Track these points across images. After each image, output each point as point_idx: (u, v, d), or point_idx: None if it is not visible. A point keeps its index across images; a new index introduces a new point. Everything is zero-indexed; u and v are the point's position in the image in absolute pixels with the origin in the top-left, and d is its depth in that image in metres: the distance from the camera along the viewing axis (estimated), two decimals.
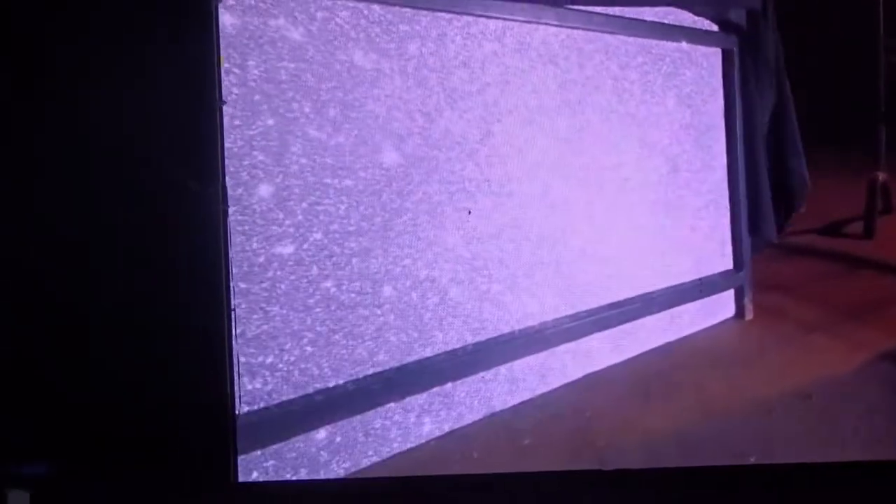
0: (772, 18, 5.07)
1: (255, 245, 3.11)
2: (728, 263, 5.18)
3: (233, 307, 2.94)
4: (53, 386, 2.79)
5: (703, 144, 4.98)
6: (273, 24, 3.14)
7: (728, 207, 5.20)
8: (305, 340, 3.25)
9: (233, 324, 2.94)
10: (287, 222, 3.18)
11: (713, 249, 5.10)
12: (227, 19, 3.02)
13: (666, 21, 4.70)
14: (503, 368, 3.94)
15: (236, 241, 3.03)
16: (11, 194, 2.80)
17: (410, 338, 3.58)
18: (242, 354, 3.06)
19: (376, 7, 3.43)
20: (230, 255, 2.94)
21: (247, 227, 3.08)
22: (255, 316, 3.11)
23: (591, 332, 4.34)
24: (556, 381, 4.17)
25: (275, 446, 3.15)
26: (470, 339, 3.80)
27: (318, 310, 3.28)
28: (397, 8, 3.49)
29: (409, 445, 3.58)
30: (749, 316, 5.23)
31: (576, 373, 4.27)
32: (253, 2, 3.09)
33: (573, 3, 4.13)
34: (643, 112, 4.59)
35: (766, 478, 3.13)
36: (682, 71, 4.83)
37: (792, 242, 6.08)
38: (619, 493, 3.02)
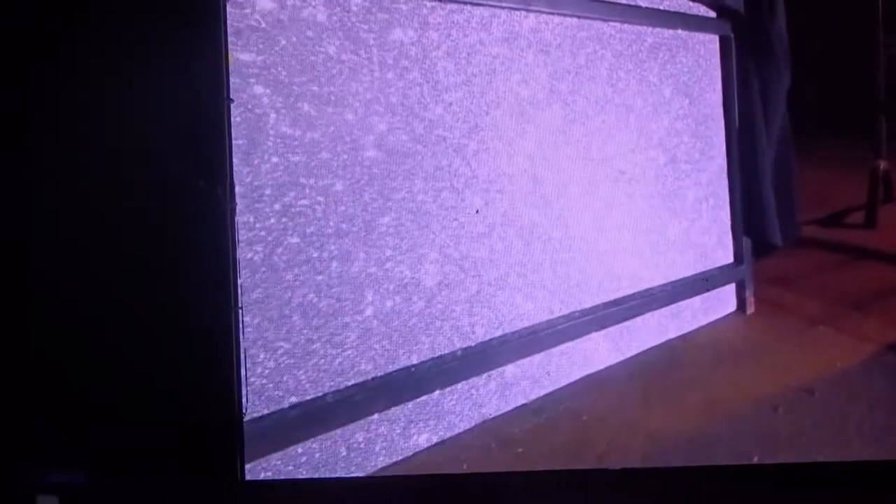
0: (779, 3, 4.86)
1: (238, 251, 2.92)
2: (729, 257, 5.02)
3: (240, 305, 2.84)
4: (59, 387, 2.78)
5: (702, 135, 4.81)
6: (237, 13, 2.94)
7: (728, 199, 5.02)
8: (281, 351, 3.05)
9: (240, 323, 2.85)
10: (258, 226, 2.98)
11: (713, 243, 4.93)
12: None
13: (662, 8, 4.53)
14: (495, 373, 3.77)
15: None
16: (16, 193, 2.77)
17: (395, 344, 3.39)
18: None
19: None
20: (237, 254, 2.85)
21: None
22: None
23: (588, 332, 4.17)
24: (551, 385, 4.00)
25: (249, 465, 2.93)
26: (459, 344, 3.63)
27: (294, 318, 3.09)
28: None
29: (395, 459, 3.40)
30: (751, 310, 5.07)
31: (572, 375, 4.10)
32: None
33: None
34: (639, 102, 4.42)
35: (771, 478, 3.05)
36: (679, 59, 4.65)
37: None
38: (622, 493, 2.97)
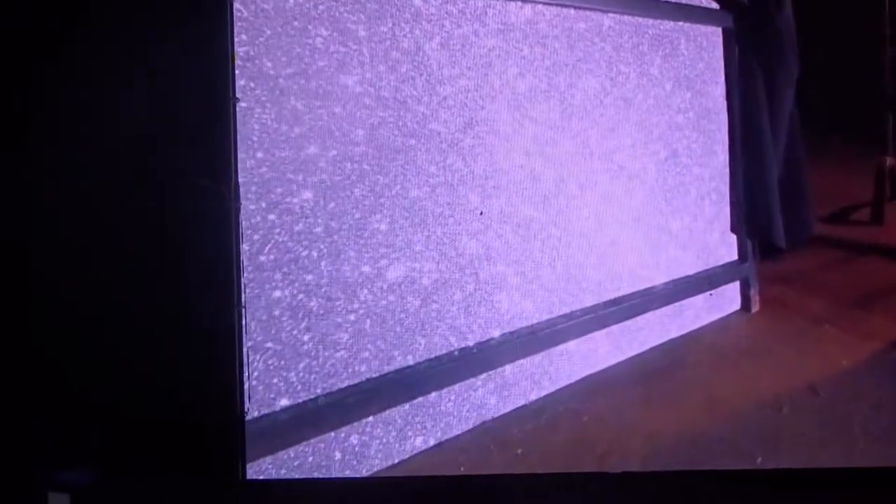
0: None
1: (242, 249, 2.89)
2: (732, 254, 4.90)
3: (243, 304, 2.82)
4: (61, 387, 2.79)
5: (705, 129, 4.69)
6: None
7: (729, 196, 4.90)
8: (270, 353, 2.95)
9: (242, 322, 2.83)
10: (243, 224, 2.87)
11: (716, 240, 4.82)
12: None
13: None
14: (493, 374, 3.66)
15: None
16: (16, 193, 2.78)
17: (390, 345, 3.29)
18: None
19: None
20: (241, 253, 2.83)
21: None
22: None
23: (589, 332, 4.07)
24: (551, 386, 3.90)
25: None
26: (456, 345, 3.53)
27: (284, 319, 2.99)
28: None
29: (391, 462, 3.31)
30: (755, 308, 4.94)
31: (573, 375, 4.00)
32: None
33: None
34: (639, 96, 4.30)
35: (771, 481, 3.06)
36: (680, 52, 4.53)
37: None
38: (623, 496, 2.98)
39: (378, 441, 3.25)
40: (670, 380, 4.06)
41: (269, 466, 2.95)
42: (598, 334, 4.11)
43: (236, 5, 2.84)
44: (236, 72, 2.84)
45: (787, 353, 4.32)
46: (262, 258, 2.91)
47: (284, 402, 2.99)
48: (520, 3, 3.71)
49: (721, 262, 4.83)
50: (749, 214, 4.89)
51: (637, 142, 4.30)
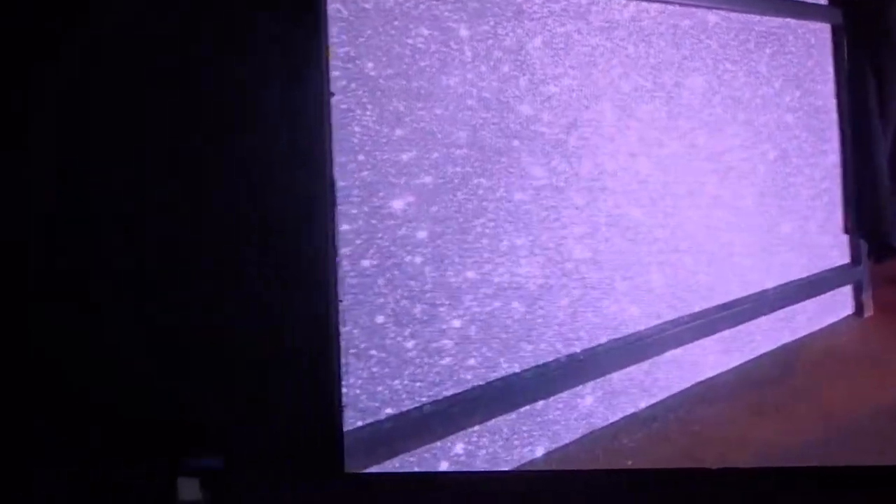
0: None
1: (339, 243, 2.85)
2: (845, 257, 4.69)
3: (340, 299, 2.80)
4: (188, 386, 2.86)
5: (815, 128, 4.53)
6: None
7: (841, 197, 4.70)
8: (373, 360, 2.90)
9: (339, 316, 2.80)
10: (345, 227, 2.83)
11: (828, 242, 4.62)
12: None
13: None
14: (601, 381, 3.56)
15: None
16: (107, 194, 2.82)
17: (495, 352, 3.20)
18: None
19: None
20: (341, 255, 2.81)
21: None
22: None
23: (698, 338, 3.93)
24: (660, 394, 3.77)
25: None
26: (563, 351, 3.42)
27: (387, 326, 2.93)
28: None
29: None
30: (869, 312, 4.70)
31: (682, 383, 3.86)
32: None
33: None
34: (747, 94, 4.17)
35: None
36: (789, 49, 4.39)
37: None
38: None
39: (484, 451, 3.16)
40: (782, 387, 3.91)
41: None
42: (708, 340, 3.98)
43: (336, 5, 2.81)
44: (336, 73, 2.81)
45: None
46: (365, 263, 2.87)
47: (389, 410, 2.93)
48: (623, 1, 3.64)
49: (833, 265, 4.65)
50: (861, 215, 4.70)
51: (745, 142, 4.18)
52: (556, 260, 3.39)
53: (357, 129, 2.83)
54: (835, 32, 4.57)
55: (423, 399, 3.00)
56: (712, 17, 4.00)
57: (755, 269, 4.22)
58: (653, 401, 3.73)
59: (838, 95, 4.59)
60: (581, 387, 3.47)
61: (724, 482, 2.97)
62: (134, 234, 2.84)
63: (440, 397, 3.04)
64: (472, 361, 3.13)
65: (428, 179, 3.01)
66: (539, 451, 3.31)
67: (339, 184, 2.81)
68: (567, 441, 3.40)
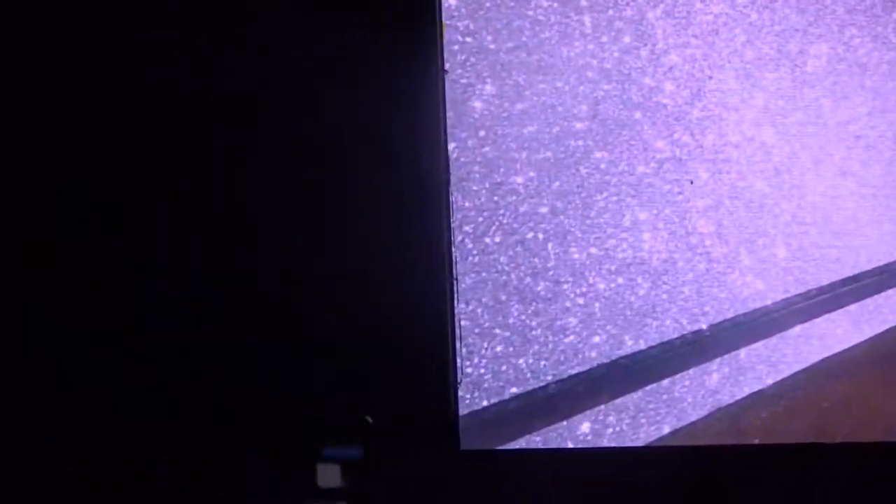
0: None
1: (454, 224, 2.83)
2: None
3: (455, 277, 2.79)
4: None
5: None
6: None
7: None
8: (498, 339, 2.86)
9: (455, 295, 2.78)
10: (467, 205, 2.81)
11: None
12: None
13: None
14: (728, 358, 3.43)
15: None
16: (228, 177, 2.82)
17: (620, 329, 3.12)
18: None
19: None
20: (452, 228, 2.79)
21: None
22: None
23: (826, 312, 3.75)
24: (788, 369, 3.60)
25: None
26: (688, 328, 3.32)
27: (511, 304, 2.88)
28: None
29: None
30: None
31: (810, 358, 3.68)
32: None
33: None
34: (874, 60, 3.96)
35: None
36: None
37: None
38: None
39: (611, 430, 3.09)
40: None
41: None
42: (836, 314, 3.80)
43: None
44: (455, 47, 2.78)
45: None
46: (488, 240, 2.83)
47: (514, 390, 2.89)
48: None
49: None
50: None
51: (873, 110, 3.97)
52: (679, 234, 3.29)
53: (477, 104, 2.79)
54: None
55: (548, 378, 2.94)
56: None
57: (883, 240, 3.99)
58: (780, 377, 3.57)
59: None
60: (707, 364, 3.37)
61: (850, 457, 2.94)
62: (255, 223, 2.84)
63: (565, 376, 2.98)
64: (596, 339, 3.05)
65: (549, 154, 2.94)
66: (665, 430, 3.22)
67: (460, 160, 2.77)
68: (694, 419, 3.30)
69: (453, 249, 2.77)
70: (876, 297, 3.93)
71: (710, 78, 3.39)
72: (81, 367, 2.76)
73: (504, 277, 2.85)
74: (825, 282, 3.76)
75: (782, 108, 3.62)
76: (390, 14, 2.74)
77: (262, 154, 2.81)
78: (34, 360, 2.76)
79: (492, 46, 2.82)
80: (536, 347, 2.90)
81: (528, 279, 2.89)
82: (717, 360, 3.40)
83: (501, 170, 2.83)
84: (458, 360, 2.80)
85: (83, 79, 2.79)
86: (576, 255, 2.99)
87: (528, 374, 2.89)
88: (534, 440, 2.89)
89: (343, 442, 2.79)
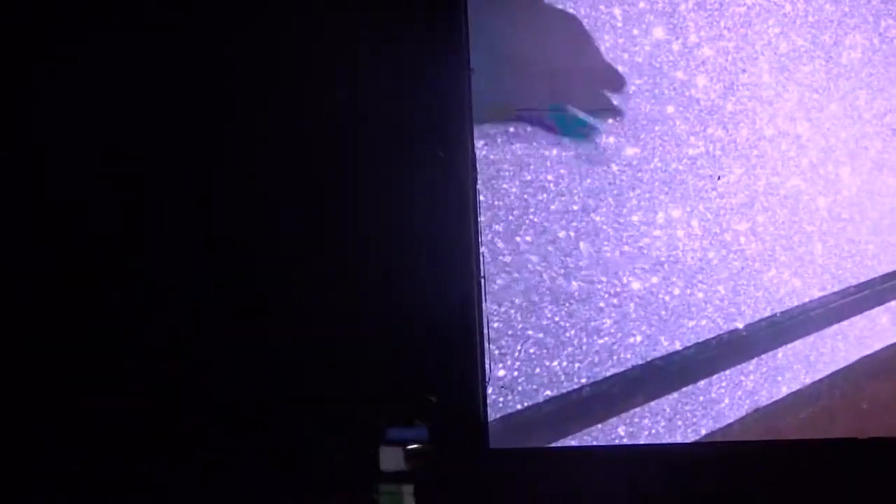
0: None
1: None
2: None
3: (483, 275, 2.79)
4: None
5: None
6: None
7: None
8: (531, 341, 2.85)
9: (482, 291, 2.78)
10: (497, 203, 2.79)
11: None
12: None
13: None
14: (765, 358, 3.40)
15: None
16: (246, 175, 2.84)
17: (655, 330, 3.10)
18: None
19: None
20: (479, 221, 2.78)
21: None
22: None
23: (864, 310, 3.68)
24: (826, 369, 3.56)
25: None
26: (724, 327, 3.28)
27: (543, 305, 2.86)
28: None
29: None
30: None
31: (849, 357, 3.63)
32: None
33: None
34: None
35: None
36: None
37: None
38: None
39: (646, 432, 3.07)
40: None
41: None
42: (875, 312, 3.73)
43: None
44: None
45: None
46: (518, 239, 2.81)
47: (548, 392, 2.87)
48: None
49: None
50: None
51: None
52: (713, 232, 3.26)
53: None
54: None
55: (583, 380, 2.92)
56: None
57: None
58: (818, 377, 3.53)
59: None
60: (744, 364, 3.34)
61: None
62: (272, 222, 2.86)
63: (599, 378, 2.96)
64: (631, 340, 3.03)
65: (580, 150, 2.93)
66: (702, 432, 3.19)
67: (489, 157, 2.75)
68: (731, 420, 3.27)
69: (481, 248, 2.76)
70: None
71: (744, 71, 3.35)
72: (81, 368, 2.78)
73: (536, 278, 2.83)
74: (863, 278, 3.70)
75: (817, 101, 3.57)
76: (417, 13, 2.75)
77: (293, 153, 2.82)
78: (34, 360, 2.78)
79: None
80: (570, 349, 2.89)
81: (560, 279, 2.87)
82: (754, 360, 3.36)
83: (531, 167, 2.83)
84: (487, 360, 2.80)
85: (83, 78, 2.82)
86: (609, 254, 2.97)
87: (563, 377, 2.88)
88: (568, 443, 2.88)
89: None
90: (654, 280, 3.08)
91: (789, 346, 3.47)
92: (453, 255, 2.77)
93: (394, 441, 2.77)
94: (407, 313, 2.78)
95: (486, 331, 2.78)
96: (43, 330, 2.79)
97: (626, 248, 3.00)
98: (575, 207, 2.90)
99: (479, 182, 2.76)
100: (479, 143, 2.77)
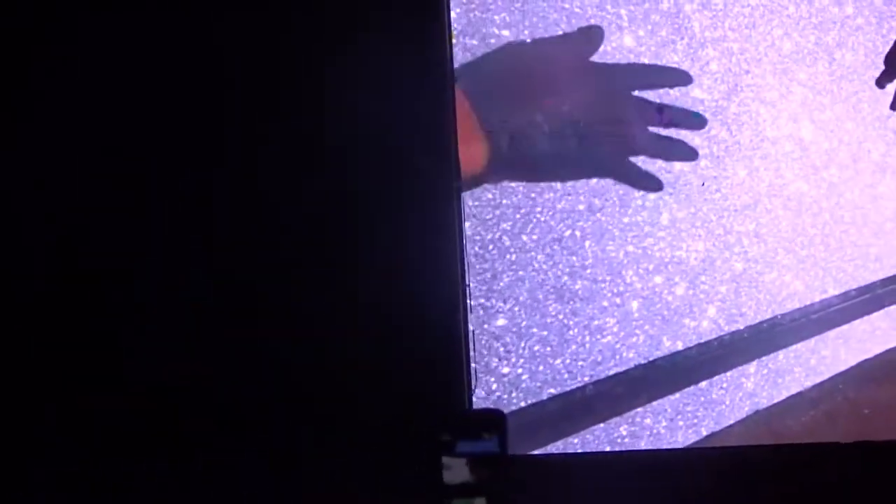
0: None
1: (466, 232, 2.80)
2: None
3: (467, 283, 2.76)
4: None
5: None
6: None
7: None
8: (535, 339, 2.85)
9: (467, 300, 2.75)
10: (504, 202, 2.80)
11: None
12: None
13: None
14: (766, 359, 3.41)
15: None
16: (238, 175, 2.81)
17: (658, 329, 3.11)
18: None
19: None
20: (464, 233, 2.75)
21: None
22: (473, 315, 2.79)
23: (866, 313, 3.72)
24: (827, 372, 3.58)
25: None
26: (726, 328, 3.30)
27: (548, 303, 2.87)
28: None
29: None
30: None
31: (849, 360, 3.66)
32: None
33: None
34: None
35: None
36: None
37: None
38: None
39: (648, 432, 3.08)
40: None
41: None
42: (877, 315, 3.76)
43: None
44: (474, 41, 2.80)
45: None
46: (525, 238, 2.81)
47: (551, 391, 2.88)
48: None
49: None
50: None
51: None
52: (716, 233, 3.27)
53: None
54: None
55: (586, 379, 2.93)
56: None
57: None
58: (819, 380, 3.55)
59: None
60: (745, 366, 3.35)
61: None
62: (261, 224, 2.83)
63: (602, 377, 2.97)
64: (634, 339, 3.04)
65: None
66: (703, 433, 3.20)
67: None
68: (731, 422, 3.28)
69: (466, 256, 2.76)
70: None
71: (747, 72, 3.36)
72: (81, 368, 2.76)
73: (541, 276, 2.84)
74: (865, 281, 3.73)
75: (820, 102, 3.58)
76: (399, 24, 2.75)
77: (293, 153, 2.80)
78: (34, 360, 2.76)
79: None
80: (574, 347, 2.90)
81: (565, 278, 2.88)
82: (755, 362, 3.37)
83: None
84: (472, 374, 2.80)
85: (83, 77, 2.80)
86: (613, 254, 2.98)
87: (566, 375, 2.88)
88: (571, 442, 2.89)
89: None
90: (658, 280, 3.09)
91: (791, 348, 3.47)
92: (435, 267, 2.76)
93: (463, 454, 2.70)
94: (397, 321, 2.77)
95: (470, 341, 2.79)
96: (43, 330, 2.79)
97: (629, 247, 3.01)
98: (580, 207, 2.91)
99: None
100: None
